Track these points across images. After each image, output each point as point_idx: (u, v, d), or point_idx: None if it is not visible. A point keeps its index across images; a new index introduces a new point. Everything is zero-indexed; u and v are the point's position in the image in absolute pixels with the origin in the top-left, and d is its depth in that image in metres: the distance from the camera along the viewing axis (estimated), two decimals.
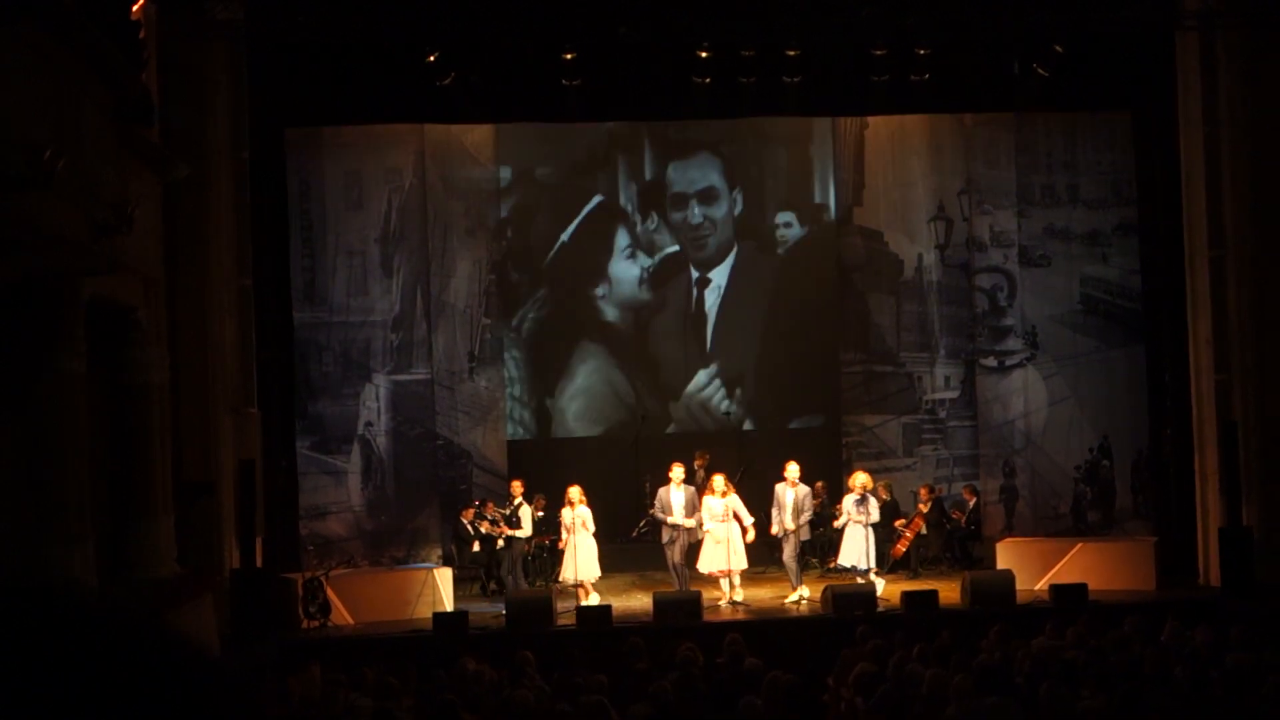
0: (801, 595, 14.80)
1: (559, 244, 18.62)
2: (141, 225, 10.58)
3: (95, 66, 9.52)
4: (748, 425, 18.90)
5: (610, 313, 18.90)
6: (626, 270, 18.81)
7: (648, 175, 18.88)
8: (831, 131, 18.31)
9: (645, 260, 18.84)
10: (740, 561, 14.80)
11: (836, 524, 15.38)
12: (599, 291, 18.76)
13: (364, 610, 14.46)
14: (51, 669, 1.12)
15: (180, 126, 13.38)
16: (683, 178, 18.90)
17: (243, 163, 14.78)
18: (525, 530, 15.87)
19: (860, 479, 15.16)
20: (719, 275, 19.07)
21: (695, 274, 19.03)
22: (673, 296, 18.96)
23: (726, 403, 18.91)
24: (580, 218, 18.67)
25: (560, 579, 15.34)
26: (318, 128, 16.31)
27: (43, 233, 8.59)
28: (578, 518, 14.78)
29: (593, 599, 14.64)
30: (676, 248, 18.91)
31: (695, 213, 18.87)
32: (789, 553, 14.90)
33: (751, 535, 14.83)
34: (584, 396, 18.91)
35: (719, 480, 14.97)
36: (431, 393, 17.05)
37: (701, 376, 18.98)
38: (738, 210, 19.00)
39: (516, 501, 15.92)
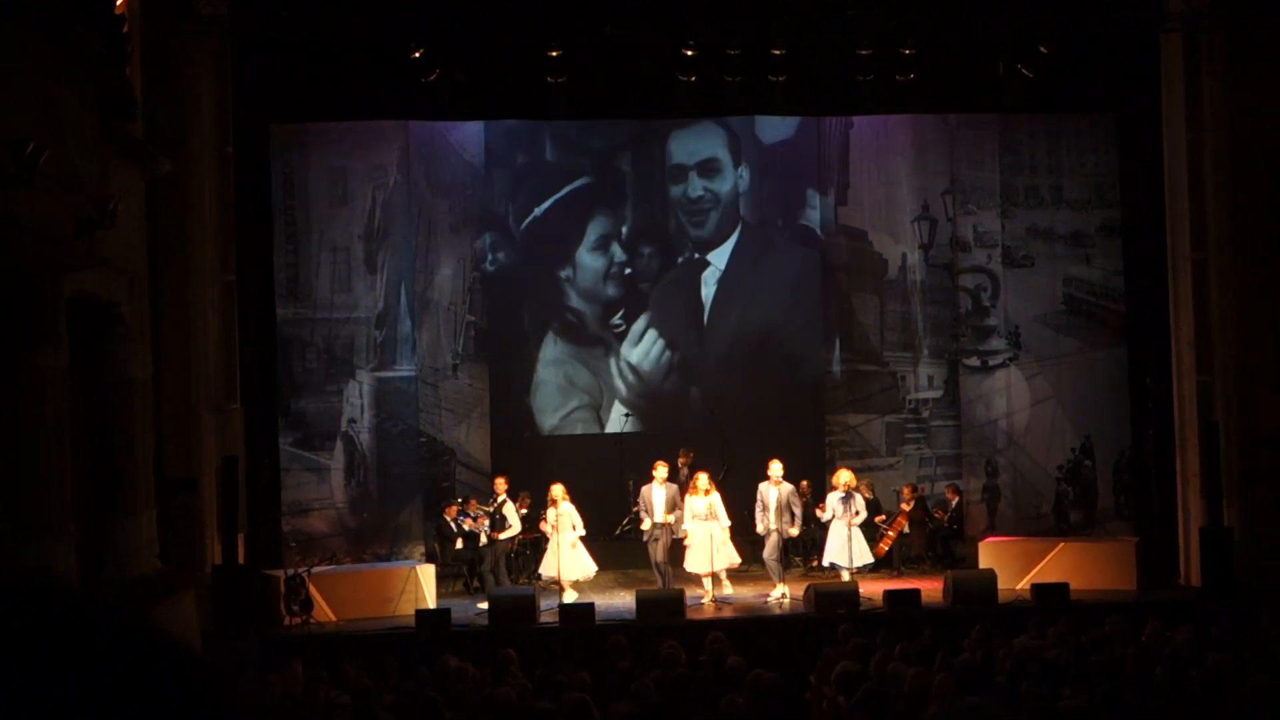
0: (784, 593, 14.82)
1: (532, 216, 18.15)
2: (124, 220, 10.54)
3: (78, 61, 9.46)
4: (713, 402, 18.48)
5: (575, 299, 18.33)
6: (593, 260, 18.20)
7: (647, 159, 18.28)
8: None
9: (619, 255, 18.19)
10: (723, 561, 14.80)
11: (821, 515, 15.35)
12: (564, 274, 18.29)
13: (346, 607, 14.42)
14: (37, 666, 1.12)
15: (164, 122, 13.32)
16: (682, 149, 18.27)
17: (226, 158, 14.72)
18: (515, 528, 15.75)
19: (845, 477, 15.22)
20: (718, 258, 18.43)
21: (695, 255, 18.37)
22: (664, 292, 18.45)
23: (667, 354, 18.25)
24: (560, 194, 18.07)
25: (542, 575, 15.32)
26: (302, 123, 16.27)
27: (24, 227, 8.54)
28: (561, 515, 14.78)
29: (569, 596, 14.62)
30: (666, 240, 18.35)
31: (695, 185, 18.27)
32: (770, 551, 14.90)
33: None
34: (545, 390, 18.54)
35: (702, 479, 14.97)
36: (415, 389, 17.04)
37: (645, 341, 18.38)
38: (744, 187, 18.43)
39: (500, 499, 15.88)
